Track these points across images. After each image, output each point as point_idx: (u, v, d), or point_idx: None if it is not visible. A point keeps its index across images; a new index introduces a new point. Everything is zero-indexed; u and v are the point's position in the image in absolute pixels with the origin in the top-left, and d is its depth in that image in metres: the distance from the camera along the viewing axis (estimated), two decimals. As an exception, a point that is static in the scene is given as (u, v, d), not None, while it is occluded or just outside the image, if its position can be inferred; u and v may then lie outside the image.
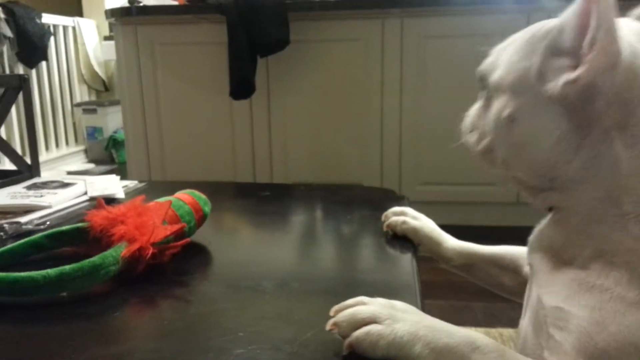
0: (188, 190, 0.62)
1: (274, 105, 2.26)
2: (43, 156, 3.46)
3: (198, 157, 2.33)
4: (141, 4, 2.37)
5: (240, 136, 2.30)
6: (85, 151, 3.84)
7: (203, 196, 0.62)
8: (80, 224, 0.56)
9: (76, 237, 0.56)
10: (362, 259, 0.60)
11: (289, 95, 2.24)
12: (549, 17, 1.83)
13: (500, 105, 0.47)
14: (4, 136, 2.97)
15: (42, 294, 0.46)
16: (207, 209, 0.61)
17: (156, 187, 0.83)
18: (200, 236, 0.61)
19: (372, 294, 0.41)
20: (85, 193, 0.74)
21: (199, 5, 2.20)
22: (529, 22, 1.91)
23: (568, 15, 0.42)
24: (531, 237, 0.50)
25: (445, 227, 0.70)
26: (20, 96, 0.89)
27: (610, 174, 0.39)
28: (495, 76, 0.49)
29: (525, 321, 0.43)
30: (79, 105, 3.77)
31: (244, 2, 2.09)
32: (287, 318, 0.42)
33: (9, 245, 0.54)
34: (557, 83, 0.41)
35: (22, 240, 0.54)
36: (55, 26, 3.59)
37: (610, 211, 0.39)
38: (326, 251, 0.61)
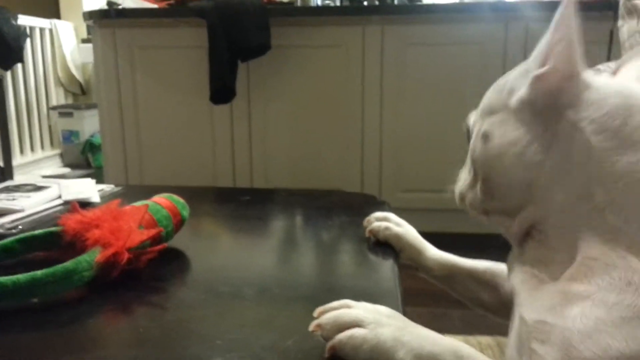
0: (166, 194, 0.60)
1: (255, 110, 2.25)
2: (17, 160, 3.38)
3: (177, 162, 2.30)
4: (120, 7, 2.34)
5: (221, 141, 2.28)
6: (61, 155, 3.77)
7: (181, 200, 0.61)
8: (53, 228, 0.54)
9: (49, 241, 0.54)
10: (344, 265, 0.59)
11: (270, 100, 2.24)
12: (526, 25, 1.86)
13: (476, 133, 0.49)
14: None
15: (12, 300, 0.44)
16: (185, 213, 0.60)
17: (133, 191, 0.81)
18: (178, 241, 0.59)
19: (353, 299, 0.41)
20: (60, 197, 0.72)
21: (179, 8, 2.18)
22: (507, 31, 1.95)
23: (538, 48, 0.44)
24: (509, 258, 0.49)
25: (426, 235, 0.69)
26: (-7, 97, 0.87)
27: (582, 167, 0.39)
28: (472, 117, 0.51)
29: (508, 348, 0.42)
30: (54, 108, 3.70)
31: (224, 5, 2.08)
32: (267, 325, 0.41)
33: None
34: (526, 85, 0.44)
35: None
36: (31, 28, 3.53)
37: (585, 207, 0.38)
38: (307, 257, 0.60)
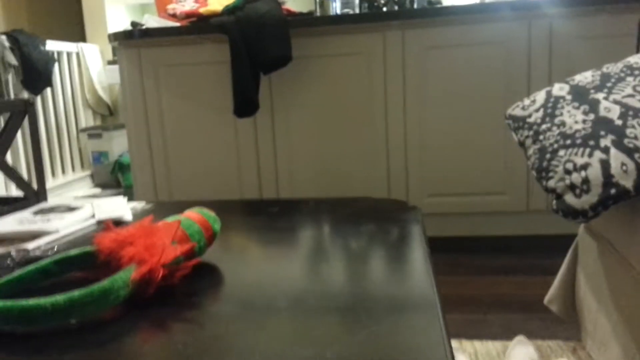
0: (197, 208, 0.61)
1: (278, 121, 2.26)
2: (50, 182, 3.46)
3: (204, 176, 2.32)
4: (143, 27, 2.39)
5: (246, 154, 2.29)
6: (92, 176, 3.85)
7: (212, 214, 0.61)
8: (88, 248, 0.55)
9: (84, 261, 0.55)
10: (377, 273, 0.58)
11: (293, 111, 2.24)
12: (550, 23, 1.83)
13: None
14: (10, 162, 2.98)
15: (52, 322, 0.44)
16: (216, 227, 0.60)
17: (163, 208, 0.82)
18: (211, 255, 0.59)
19: (391, 309, 0.40)
20: (93, 216, 0.73)
21: (201, 25, 2.21)
22: (530, 29, 1.92)
23: None
24: None
25: (454, 239, 0.68)
26: (26, 121, 0.89)
27: None
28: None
29: None
30: (84, 130, 3.79)
31: (245, 20, 2.11)
32: (304, 337, 0.41)
33: (17, 273, 0.52)
34: None
35: (29, 267, 0.53)
36: (59, 52, 3.62)
37: None
38: (340, 266, 0.60)
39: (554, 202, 1.05)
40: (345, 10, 2.41)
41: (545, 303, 1.32)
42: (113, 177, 3.70)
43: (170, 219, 0.57)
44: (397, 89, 2.18)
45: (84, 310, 0.45)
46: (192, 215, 0.59)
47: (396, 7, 2.43)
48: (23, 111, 0.85)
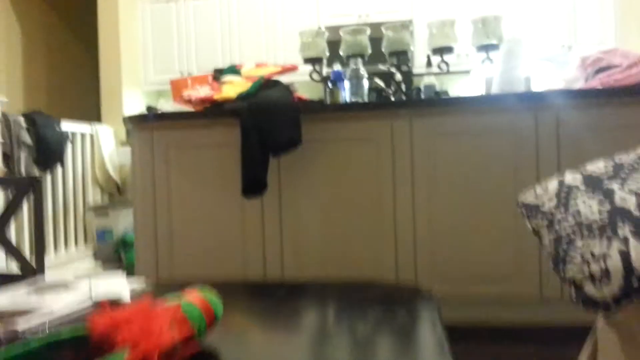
0: (199, 289, 0.57)
1: (286, 202, 2.25)
2: (51, 256, 3.42)
3: (207, 255, 2.28)
4: (159, 112, 2.45)
5: (251, 234, 2.26)
6: (95, 254, 3.81)
7: (214, 297, 0.57)
8: (80, 330, 0.51)
9: (76, 343, 0.51)
10: (392, 367, 0.53)
11: (301, 193, 2.24)
12: (557, 114, 1.85)
13: None
14: (13, 237, 2.96)
15: None
16: (218, 311, 0.56)
17: (164, 289, 0.78)
18: (211, 340, 0.55)
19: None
20: (90, 297, 0.70)
21: (214, 110, 2.27)
22: (537, 119, 1.94)
23: None
24: None
25: (467, 327, 0.63)
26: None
27: None
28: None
29: None
30: (91, 209, 3.80)
31: (257, 105, 2.16)
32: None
33: (5, 354, 0.48)
34: None
35: (20, 350, 0.49)
36: (73, 133, 3.72)
37: None
38: (353, 355, 0.55)
39: (573, 292, 1.01)
40: (355, 99, 2.48)
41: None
42: (116, 255, 3.66)
43: (170, 300, 0.53)
44: (405, 174, 2.19)
45: None
46: (194, 298, 0.55)
47: (404, 97, 2.50)
48: (28, 189, 0.84)
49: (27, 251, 2.96)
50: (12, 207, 0.80)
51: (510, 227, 2.11)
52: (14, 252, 0.81)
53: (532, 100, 2.14)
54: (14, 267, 2.90)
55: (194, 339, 0.51)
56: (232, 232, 2.27)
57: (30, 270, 0.79)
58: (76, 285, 0.71)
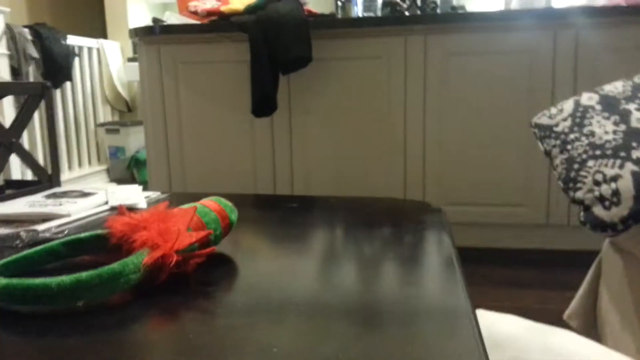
0: (214, 197, 0.58)
1: (295, 122, 2.24)
2: (66, 175, 3.48)
3: (219, 174, 2.31)
4: (165, 24, 2.39)
5: (262, 153, 2.28)
6: (108, 170, 3.86)
7: (229, 203, 0.58)
8: (99, 231, 0.53)
9: (95, 244, 0.53)
10: (402, 273, 0.55)
11: (311, 113, 2.22)
12: (576, 33, 1.78)
13: None
14: (26, 147, 3.00)
15: (57, 303, 0.42)
16: (233, 216, 0.57)
17: (179, 198, 0.79)
18: (226, 246, 0.57)
19: (421, 312, 0.37)
20: (106, 203, 0.71)
21: (221, 23, 2.21)
22: (555, 38, 1.87)
23: None
24: None
25: (471, 250, 0.65)
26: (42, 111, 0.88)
27: None
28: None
29: None
30: (102, 125, 3.81)
31: (266, 19, 2.09)
32: (326, 334, 0.38)
33: (24, 252, 0.50)
34: None
35: (38, 247, 0.51)
36: (80, 47, 3.65)
37: None
38: (363, 264, 0.57)
39: (582, 213, 1.02)
40: (367, 14, 2.39)
41: (565, 318, 1.27)
42: (128, 173, 3.71)
43: (187, 206, 0.55)
44: (417, 95, 2.15)
45: (91, 292, 0.42)
46: (209, 203, 0.56)
47: (419, 12, 2.40)
48: (40, 95, 0.84)
49: (40, 163, 2.99)
50: (26, 114, 0.80)
51: (521, 152, 2.10)
52: (30, 160, 0.82)
53: (552, 18, 2.06)
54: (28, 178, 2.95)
55: (210, 242, 0.53)
56: (242, 150, 2.28)
57: (46, 177, 0.81)
58: (93, 193, 0.73)
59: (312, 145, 2.24)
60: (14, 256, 0.49)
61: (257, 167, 2.29)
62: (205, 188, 2.30)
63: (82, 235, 0.53)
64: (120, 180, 3.72)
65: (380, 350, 0.34)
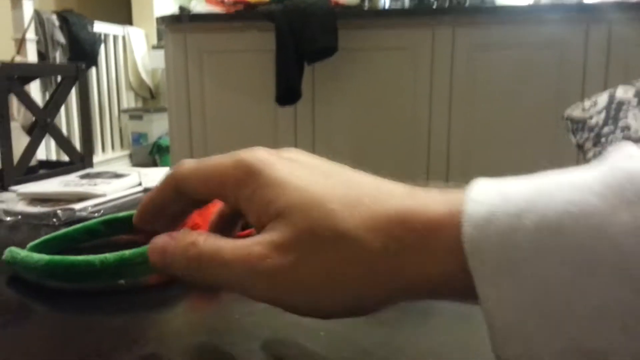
0: None
1: (319, 112, 2.23)
2: (89, 160, 3.52)
3: (241, 163, 2.31)
4: (191, 12, 2.39)
5: (284, 143, 2.27)
6: (130, 156, 3.90)
7: None
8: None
9: (132, 224, 0.52)
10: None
11: (334, 103, 2.21)
12: (609, 29, 1.74)
13: None
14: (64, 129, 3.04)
15: (100, 281, 0.42)
16: None
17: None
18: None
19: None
20: (140, 184, 0.71)
21: (248, 12, 2.20)
22: (588, 34, 1.82)
23: None
24: None
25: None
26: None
27: None
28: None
29: None
30: (125, 111, 3.85)
31: (293, 8, 2.08)
32: (373, 319, 0.37)
33: (63, 230, 0.50)
34: None
35: (76, 225, 0.51)
36: (106, 34, 3.68)
37: None
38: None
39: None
40: (395, 5, 2.36)
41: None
42: (150, 158, 3.75)
43: None
44: (444, 88, 2.13)
45: (134, 271, 0.42)
46: None
47: (447, 4, 2.37)
48: (74, 76, 0.84)
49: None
50: (61, 95, 0.80)
51: (549, 147, 2.06)
52: (63, 140, 0.83)
53: (584, 12, 2.01)
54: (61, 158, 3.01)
55: (248, 225, 0.52)
56: (264, 139, 2.28)
57: (79, 158, 0.81)
58: (126, 174, 0.73)
59: (335, 135, 2.23)
60: (53, 234, 0.49)
61: (279, 156, 2.28)
62: (228, 176, 2.31)
63: (120, 214, 0.53)
64: (142, 166, 3.75)
65: (427, 337, 0.33)
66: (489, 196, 0.22)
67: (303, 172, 0.25)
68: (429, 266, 0.22)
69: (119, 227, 0.53)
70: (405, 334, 0.34)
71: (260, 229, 0.25)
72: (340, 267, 0.23)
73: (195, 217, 0.48)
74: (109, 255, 0.41)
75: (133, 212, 0.53)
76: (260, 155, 0.26)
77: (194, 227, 0.47)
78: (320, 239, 0.22)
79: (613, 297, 0.18)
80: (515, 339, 0.20)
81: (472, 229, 0.20)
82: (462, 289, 0.21)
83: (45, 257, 0.41)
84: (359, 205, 0.23)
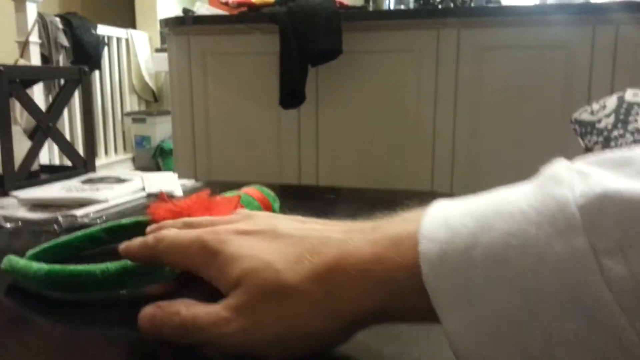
0: (255, 186, 0.56)
1: (323, 115, 2.22)
2: (92, 163, 3.52)
3: (244, 164, 2.30)
4: (195, 14, 2.38)
5: (288, 145, 2.26)
6: (133, 159, 3.90)
7: (272, 193, 0.56)
8: (141, 218, 0.51)
9: (137, 231, 0.51)
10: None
11: (338, 106, 2.20)
12: (616, 29, 1.71)
13: None
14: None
15: (101, 291, 0.40)
16: (276, 206, 0.56)
17: (214, 186, 0.78)
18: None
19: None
20: (143, 189, 0.70)
21: (252, 14, 2.19)
22: (594, 34, 1.80)
23: None
24: None
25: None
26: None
27: None
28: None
29: None
30: (128, 114, 3.84)
31: (297, 11, 2.07)
32: (389, 331, 0.36)
33: (65, 238, 0.49)
34: None
35: (78, 233, 0.49)
36: (109, 37, 3.68)
37: None
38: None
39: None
40: (399, 6, 2.35)
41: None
42: (153, 162, 3.74)
43: (229, 194, 0.53)
44: (449, 90, 2.11)
45: (137, 281, 0.40)
46: (252, 192, 0.55)
47: (452, 5, 2.36)
48: (77, 79, 0.83)
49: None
50: (63, 98, 0.79)
51: (556, 149, 2.04)
52: (65, 144, 0.82)
53: (591, 12, 1.99)
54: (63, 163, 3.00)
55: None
56: (268, 141, 2.27)
57: (81, 162, 0.80)
58: (129, 179, 0.72)
59: (339, 137, 2.21)
60: (54, 241, 0.48)
61: (282, 158, 2.27)
62: (231, 179, 2.30)
63: (123, 221, 0.52)
64: (145, 170, 3.75)
65: (442, 349, 0.32)
66: (439, 233, 0.24)
67: (253, 242, 0.30)
68: (364, 301, 0.26)
69: (122, 234, 0.51)
70: (420, 347, 0.33)
71: (227, 294, 0.29)
72: (291, 316, 0.27)
73: (189, 203, 0.47)
74: (111, 265, 0.40)
75: (136, 218, 0.52)
76: (220, 237, 0.31)
77: (190, 212, 0.46)
78: (271, 296, 0.27)
79: (563, 318, 0.20)
80: None
81: (428, 270, 0.23)
82: (399, 315, 0.26)
83: (44, 266, 0.40)
84: (301, 261, 0.27)
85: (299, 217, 0.34)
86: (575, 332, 0.20)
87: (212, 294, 0.41)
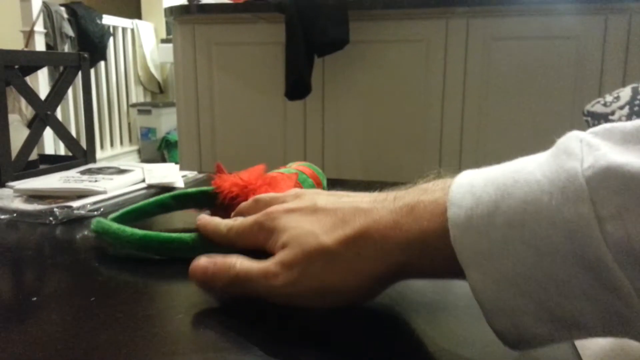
0: (305, 163, 0.58)
1: (329, 106, 2.19)
2: (98, 154, 3.51)
3: (249, 155, 2.28)
4: (200, 2, 2.35)
5: (293, 137, 2.24)
6: (139, 151, 3.89)
7: (320, 170, 0.59)
8: (206, 188, 0.54)
9: (201, 199, 0.54)
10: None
11: (345, 96, 2.17)
12: (629, 19, 1.66)
13: None
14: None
15: (188, 255, 0.41)
16: (325, 183, 0.58)
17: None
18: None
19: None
20: (143, 180, 0.68)
21: (258, 3, 2.16)
22: (606, 24, 1.75)
23: None
24: None
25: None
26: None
27: None
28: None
29: None
30: (134, 105, 3.83)
31: (304, 0, 2.04)
32: (403, 328, 0.34)
33: (139, 204, 0.53)
34: None
35: (150, 199, 0.53)
36: (114, 27, 3.66)
37: None
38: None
39: None
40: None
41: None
42: (159, 154, 3.73)
43: (285, 171, 0.54)
44: (457, 80, 2.07)
45: (216, 249, 0.41)
46: (305, 169, 0.56)
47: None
48: (77, 66, 0.81)
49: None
50: (62, 86, 0.77)
51: (565, 140, 2.00)
52: (65, 134, 0.80)
53: (604, 1, 1.94)
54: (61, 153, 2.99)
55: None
56: (274, 133, 2.25)
57: (81, 152, 0.78)
58: (129, 170, 0.70)
59: (345, 128, 2.19)
60: (131, 207, 0.52)
61: (287, 148, 2.25)
62: (235, 168, 2.28)
63: (190, 190, 0.55)
64: (150, 161, 3.74)
65: (452, 339, 0.30)
66: (464, 200, 0.28)
67: (298, 217, 0.35)
68: (386, 261, 0.31)
69: (188, 201, 0.55)
70: (430, 342, 0.31)
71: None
72: (327, 272, 0.32)
73: (251, 178, 0.48)
74: (195, 235, 0.44)
75: (202, 188, 0.53)
76: (272, 216, 0.37)
77: (254, 187, 0.49)
78: (311, 256, 0.32)
79: (570, 273, 0.24)
80: (501, 311, 0.26)
81: (455, 232, 0.27)
82: (421, 272, 0.31)
83: (139, 232, 0.44)
84: (335, 229, 0.33)
85: (335, 192, 0.39)
86: (581, 286, 0.24)
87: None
